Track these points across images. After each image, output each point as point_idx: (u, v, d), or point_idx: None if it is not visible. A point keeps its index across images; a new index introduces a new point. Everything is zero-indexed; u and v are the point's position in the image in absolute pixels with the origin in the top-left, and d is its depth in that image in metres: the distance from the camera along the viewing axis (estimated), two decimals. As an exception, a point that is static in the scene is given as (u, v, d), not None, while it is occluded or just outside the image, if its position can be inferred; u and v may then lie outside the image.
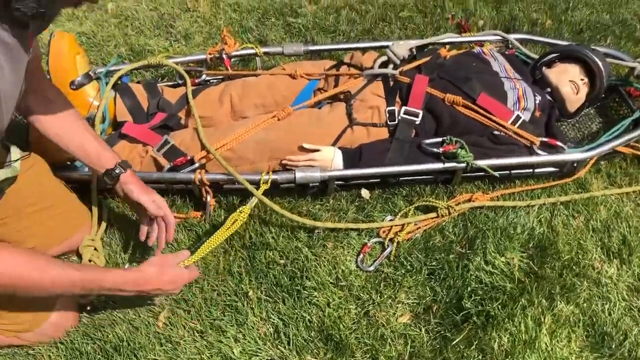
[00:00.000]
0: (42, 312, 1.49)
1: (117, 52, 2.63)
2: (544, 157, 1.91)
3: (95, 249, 1.72)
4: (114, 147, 1.85)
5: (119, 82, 2.09)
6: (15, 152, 1.44)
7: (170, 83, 2.25)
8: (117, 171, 1.51)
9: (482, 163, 1.84)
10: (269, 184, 1.78)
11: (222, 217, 1.87)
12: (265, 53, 2.28)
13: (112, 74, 2.09)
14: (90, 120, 1.91)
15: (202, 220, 1.87)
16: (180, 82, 2.22)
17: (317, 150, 1.87)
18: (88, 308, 1.64)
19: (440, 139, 1.88)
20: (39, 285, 1.18)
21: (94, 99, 2.01)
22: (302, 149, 1.88)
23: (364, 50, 2.27)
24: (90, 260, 1.68)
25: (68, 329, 1.56)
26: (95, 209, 1.78)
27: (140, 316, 1.62)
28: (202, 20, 2.83)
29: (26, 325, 1.48)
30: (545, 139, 1.94)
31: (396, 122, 1.94)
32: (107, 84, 2.03)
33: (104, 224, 1.81)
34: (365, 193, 1.95)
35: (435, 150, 1.86)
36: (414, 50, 2.17)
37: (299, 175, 1.80)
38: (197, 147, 1.86)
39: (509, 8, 2.86)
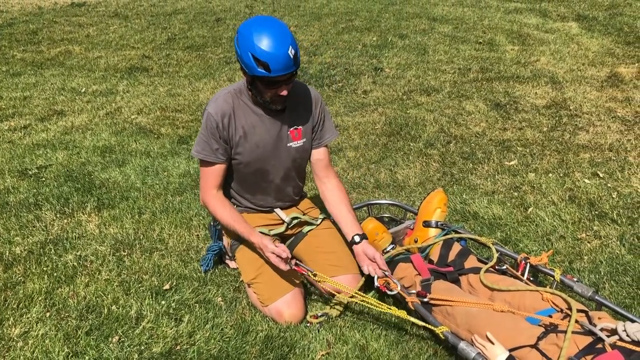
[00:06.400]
0: (276, 293, 2.68)
1: (475, 229, 3.43)
2: None
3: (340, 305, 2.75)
4: (402, 262, 2.82)
5: (457, 241, 2.97)
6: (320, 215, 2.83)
7: (484, 260, 2.92)
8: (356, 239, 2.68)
9: None
10: (443, 336, 2.34)
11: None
12: (561, 281, 2.63)
13: (452, 232, 3.00)
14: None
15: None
16: (498, 268, 2.85)
17: (493, 344, 2.25)
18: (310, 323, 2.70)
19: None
20: (221, 218, 2.76)
21: (432, 237, 2.99)
22: (487, 337, 2.29)
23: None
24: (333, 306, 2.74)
25: (292, 318, 2.67)
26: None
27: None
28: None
29: (263, 298, 2.71)
30: None
31: (566, 369, 2.06)
32: (444, 235, 2.96)
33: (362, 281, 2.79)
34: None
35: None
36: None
37: (461, 345, 2.27)
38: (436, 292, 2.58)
39: None
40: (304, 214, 3.03)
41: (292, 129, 2.78)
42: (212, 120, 2.63)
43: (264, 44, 2.38)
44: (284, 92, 2.55)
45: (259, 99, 2.63)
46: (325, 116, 2.90)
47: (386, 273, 2.65)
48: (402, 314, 2.46)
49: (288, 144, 2.80)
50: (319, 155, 2.92)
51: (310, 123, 2.84)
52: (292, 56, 2.42)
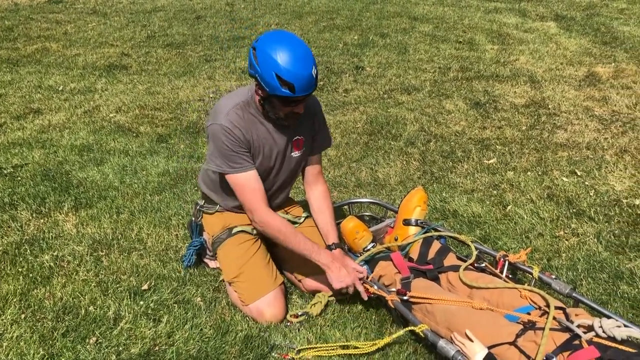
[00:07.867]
0: (258, 292, 2.67)
1: (455, 227, 3.45)
2: None
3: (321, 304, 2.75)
4: (382, 261, 2.82)
5: (437, 239, 2.98)
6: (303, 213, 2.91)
7: (464, 258, 2.92)
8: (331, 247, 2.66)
9: None
10: (423, 335, 2.35)
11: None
12: (540, 279, 2.65)
13: (432, 230, 3.00)
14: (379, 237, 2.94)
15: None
16: (477, 265, 2.86)
17: (472, 342, 2.25)
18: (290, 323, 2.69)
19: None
20: (286, 238, 2.63)
21: (412, 235, 2.99)
22: (466, 335, 2.30)
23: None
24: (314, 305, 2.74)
25: (273, 318, 2.66)
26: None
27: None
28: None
29: (245, 297, 2.69)
30: None
31: (545, 366, 2.07)
32: (424, 233, 2.97)
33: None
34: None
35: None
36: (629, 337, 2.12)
37: (440, 343, 2.28)
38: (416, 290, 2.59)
39: None
40: (286, 213, 3.02)
41: (294, 139, 2.76)
42: (231, 133, 2.55)
43: (290, 64, 2.33)
44: (301, 110, 2.53)
45: (271, 115, 2.59)
46: (323, 125, 2.89)
47: (361, 277, 2.69)
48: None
49: (290, 154, 2.79)
50: (311, 162, 2.91)
51: (311, 132, 2.82)
52: (314, 76, 2.41)
